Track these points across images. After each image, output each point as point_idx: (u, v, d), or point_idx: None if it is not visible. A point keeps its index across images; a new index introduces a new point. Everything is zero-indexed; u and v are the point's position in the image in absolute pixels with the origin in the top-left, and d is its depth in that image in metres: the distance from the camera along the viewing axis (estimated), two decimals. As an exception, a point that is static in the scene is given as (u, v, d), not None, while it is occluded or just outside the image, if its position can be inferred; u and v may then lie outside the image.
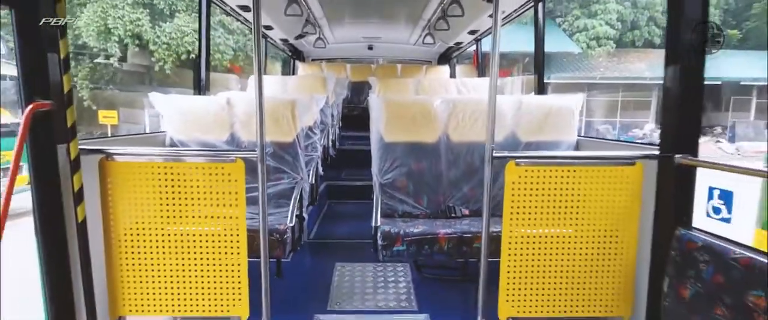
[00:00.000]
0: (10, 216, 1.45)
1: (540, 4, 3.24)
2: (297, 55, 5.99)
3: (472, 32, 4.62)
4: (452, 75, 5.98)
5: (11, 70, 7.34)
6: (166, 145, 2.65)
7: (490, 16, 3.45)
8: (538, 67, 3.35)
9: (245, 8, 3.54)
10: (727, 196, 1.59)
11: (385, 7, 4.00)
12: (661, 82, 1.81)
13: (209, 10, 3.31)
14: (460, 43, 5.28)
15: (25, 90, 1.56)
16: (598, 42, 19.13)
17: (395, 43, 5.53)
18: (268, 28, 4.35)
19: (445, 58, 6.14)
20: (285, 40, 5.13)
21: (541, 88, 3.32)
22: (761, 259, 1.40)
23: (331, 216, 4.26)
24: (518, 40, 15.59)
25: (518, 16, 3.67)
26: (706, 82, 1.76)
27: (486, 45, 5.27)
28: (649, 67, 18.68)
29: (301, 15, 3.73)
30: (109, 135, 9.49)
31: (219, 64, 15.76)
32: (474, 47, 5.36)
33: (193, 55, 14.79)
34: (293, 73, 6.01)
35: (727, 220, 1.58)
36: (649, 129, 17.68)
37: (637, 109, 19.48)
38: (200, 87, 3.29)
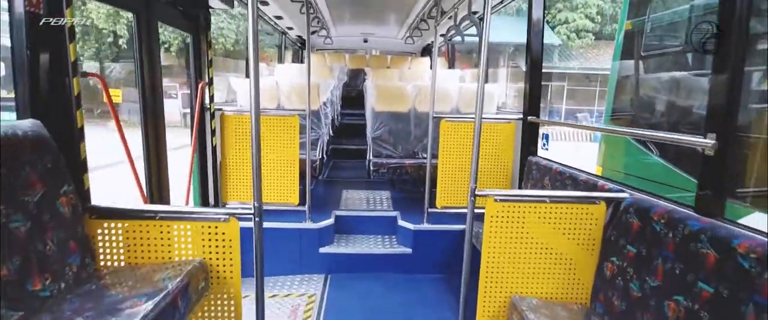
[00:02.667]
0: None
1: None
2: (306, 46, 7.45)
3: (443, 35, 6.11)
4: (432, 66, 7.45)
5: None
6: None
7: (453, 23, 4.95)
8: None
9: (279, 17, 4.99)
10: (546, 137, 3.13)
11: (378, 12, 5.24)
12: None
13: (257, 18, 4.75)
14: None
15: (194, 75, 3.08)
16: (578, 34, 20.14)
17: (386, 37, 6.65)
18: (290, 28, 5.82)
19: (427, 50, 7.51)
20: (299, 36, 6.59)
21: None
22: (555, 166, 2.98)
23: (336, 167, 5.83)
24: (501, 29, 16.99)
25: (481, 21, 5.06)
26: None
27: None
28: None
29: (317, 23, 5.17)
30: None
31: (224, 48, 16.83)
32: (445, 47, 6.88)
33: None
34: (301, 61, 7.47)
35: (547, 149, 3.13)
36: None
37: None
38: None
